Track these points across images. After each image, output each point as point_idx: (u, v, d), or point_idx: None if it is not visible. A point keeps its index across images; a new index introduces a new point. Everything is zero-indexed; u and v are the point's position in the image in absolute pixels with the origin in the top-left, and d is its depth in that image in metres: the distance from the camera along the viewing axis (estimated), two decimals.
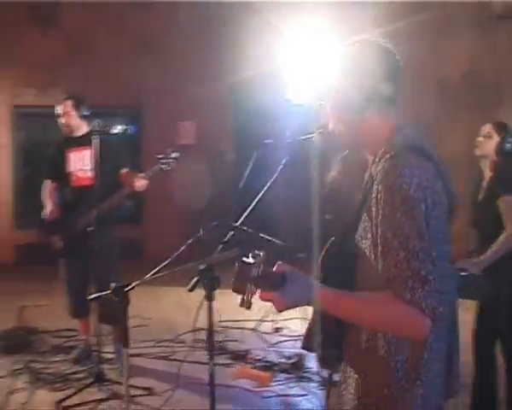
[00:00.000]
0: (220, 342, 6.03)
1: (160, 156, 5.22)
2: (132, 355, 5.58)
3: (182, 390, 4.90)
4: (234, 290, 1.77)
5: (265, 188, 2.50)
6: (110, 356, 5.52)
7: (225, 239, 2.62)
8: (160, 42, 10.25)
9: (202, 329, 6.15)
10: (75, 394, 4.82)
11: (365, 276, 1.87)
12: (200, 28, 10.38)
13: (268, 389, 4.97)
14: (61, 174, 5.51)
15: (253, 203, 2.54)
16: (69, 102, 5.41)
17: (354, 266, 1.92)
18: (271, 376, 5.15)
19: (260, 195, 2.52)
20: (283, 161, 2.47)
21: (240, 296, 1.77)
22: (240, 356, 5.67)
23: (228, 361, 5.61)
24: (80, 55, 9.90)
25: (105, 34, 10.09)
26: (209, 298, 2.60)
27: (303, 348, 2.08)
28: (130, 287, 2.80)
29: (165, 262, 2.78)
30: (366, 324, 1.86)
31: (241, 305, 1.76)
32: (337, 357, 2.01)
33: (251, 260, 1.77)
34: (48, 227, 5.52)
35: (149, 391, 4.95)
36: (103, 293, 2.95)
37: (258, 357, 5.60)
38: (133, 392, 4.88)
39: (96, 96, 9.19)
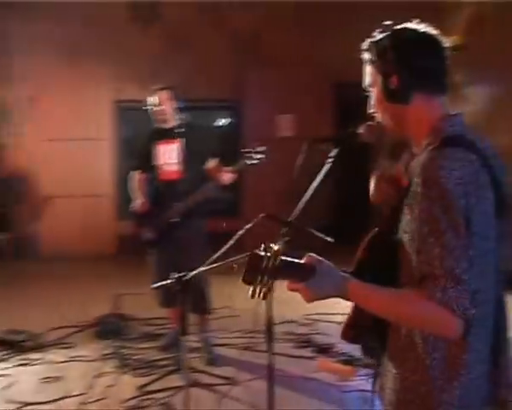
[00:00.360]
0: (306, 334, 6.04)
1: (245, 151, 5.21)
2: (219, 345, 5.67)
3: (263, 381, 4.89)
4: (244, 282, 1.74)
5: (317, 182, 2.43)
6: (196, 345, 5.59)
7: (281, 232, 2.57)
8: (258, 36, 10.30)
9: (291, 321, 6.29)
10: (158, 380, 4.93)
11: (406, 271, 1.78)
12: (299, 23, 10.36)
13: (349, 383, 4.88)
14: (149, 166, 5.56)
15: (306, 197, 2.48)
16: (165, 93, 5.41)
17: (395, 259, 1.84)
18: (354, 370, 5.05)
19: (312, 189, 2.46)
20: (332, 154, 2.39)
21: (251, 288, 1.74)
22: (324, 349, 5.61)
23: (312, 354, 5.58)
24: (180, 50, 10.09)
25: (204, 30, 10.24)
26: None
27: (342, 338, 2.03)
28: (188, 276, 2.83)
29: (218, 254, 2.77)
30: (396, 320, 1.80)
31: (253, 296, 1.73)
32: (380, 347, 1.95)
33: (262, 252, 1.72)
34: (138, 219, 5.63)
35: (230, 381, 4.97)
36: (165, 282, 2.97)
37: (342, 351, 5.51)
38: (215, 381, 4.96)
39: (196, 91, 9.41)
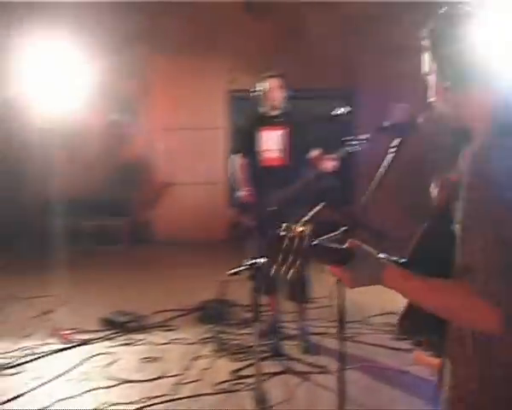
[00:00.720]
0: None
1: (346, 139, 5.17)
2: (316, 334, 5.68)
3: (357, 371, 4.88)
4: (267, 258, 1.74)
5: (382, 172, 2.40)
6: (294, 333, 5.62)
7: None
8: (372, 22, 10.13)
9: (391, 313, 6.17)
10: (251, 365, 5.00)
11: (456, 262, 1.73)
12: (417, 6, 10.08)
13: None
14: (251, 151, 5.57)
15: (372, 187, 2.45)
16: (275, 79, 5.45)
17: (448, 251, 1.78)
18: None
19: (378, 179, 2.43)
20: (395, 144, 2.35)
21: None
22: (422, 342, 5.47)
23: (410, 347, 5.45)
24: (292, 40, 10.12)
25: (316, 18, 10.20)
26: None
27: (398, 331, 1.99)
28: (259, 263, 2.87)
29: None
30: (435, 311, 1.72)
31: (276, 274, 1.72)
32: (438, 341, 1.89)
33: (283, 232, 1.71)
34: (240, 206, 5.70)
35: (324, 369, 4.97)
36: (239, 269, 3.03)
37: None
38: (309, 369, 4.98)
39: (309, 79, 9.42)
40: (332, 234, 2.36)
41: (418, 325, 1.91)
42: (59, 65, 9.00)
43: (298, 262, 1.70)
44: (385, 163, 2.37)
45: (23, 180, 10.19)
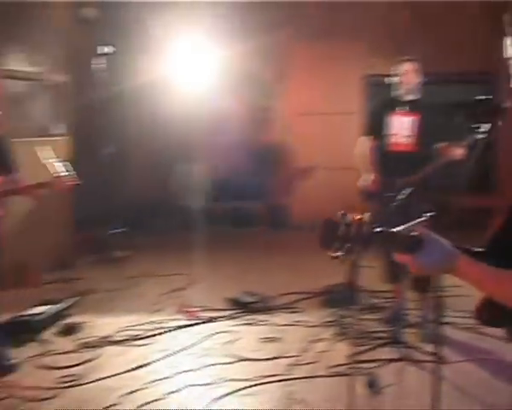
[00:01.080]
0: None
1: (474, 126, 5.02)
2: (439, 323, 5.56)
3: (473, 363, 4.77)
4: (320, 246, 1.74)
5: (473, 159, 2.35)
6: (416, 321, 5.55)
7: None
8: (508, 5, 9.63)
9: None
10: (369, 350, 5.00)
11: None
12: None
13: None
14: (380, 134, 5.53)
15: (469, 177, 2.41)
16: (410, 64, 5.40)
17: None
18: None
19: (470, 168, 2.38)
20: (483, 130, 2.28)
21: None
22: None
23: None
24: (429, 25, 9.86)
25: (451, 3, 9.84)
26: None
27: (475, 318, 1.95)
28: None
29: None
30: (507, 302, 1.69)
31: (335, 258, 1.73)
32: None
33: (338, 218, 1.72)
34: (366, 193, 5.66)
35: (439, 359, 4.87)
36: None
37: None
38: (425, 358, 4.88)
39: (445, 64, 9.15)
40: (418, 220, 2.34)
41: (496, 315, 1.86)
42: (202, 52, 9.40)
43: (356, 249, 1.72)
44: (475, 150, 2.32)
45: (164, 161, 10.61)
